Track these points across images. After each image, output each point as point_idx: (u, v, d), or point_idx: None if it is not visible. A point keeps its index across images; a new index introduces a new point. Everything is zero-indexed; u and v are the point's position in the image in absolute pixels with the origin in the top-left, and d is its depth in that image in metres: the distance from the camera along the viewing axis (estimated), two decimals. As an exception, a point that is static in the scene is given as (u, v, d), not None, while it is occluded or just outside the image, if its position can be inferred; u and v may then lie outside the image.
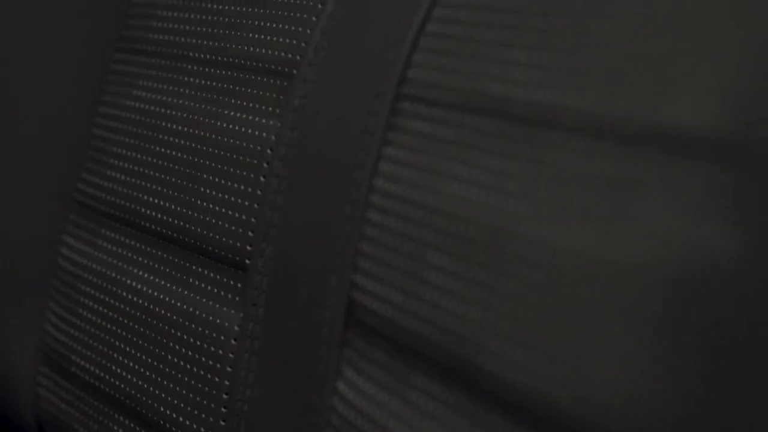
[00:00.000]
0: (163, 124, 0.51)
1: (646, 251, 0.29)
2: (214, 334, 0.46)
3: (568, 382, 0.30)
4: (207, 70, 0.50)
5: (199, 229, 0.48)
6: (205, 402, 0.46)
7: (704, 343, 0.27)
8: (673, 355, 0.28)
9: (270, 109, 0.46)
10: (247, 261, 0.45)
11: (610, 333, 0.29)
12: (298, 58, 0.46)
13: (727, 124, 0.28)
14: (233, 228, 0.46)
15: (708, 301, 0.27)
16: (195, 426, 0.47)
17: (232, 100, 0.48)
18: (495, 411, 0.33)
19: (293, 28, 0.46)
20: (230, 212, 0.46)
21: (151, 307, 0.50)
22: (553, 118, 0.33)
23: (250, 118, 0.47)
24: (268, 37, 0.47)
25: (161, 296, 0.49)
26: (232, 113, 0.48)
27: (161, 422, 0.48)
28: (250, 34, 0.48)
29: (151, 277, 0.50)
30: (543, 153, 0.33)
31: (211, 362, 0.46)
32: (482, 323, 0.33)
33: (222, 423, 0.46)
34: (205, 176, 0.48)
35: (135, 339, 0.50)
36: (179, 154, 0.49)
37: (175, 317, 0.48)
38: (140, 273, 0.51)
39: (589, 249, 0.30)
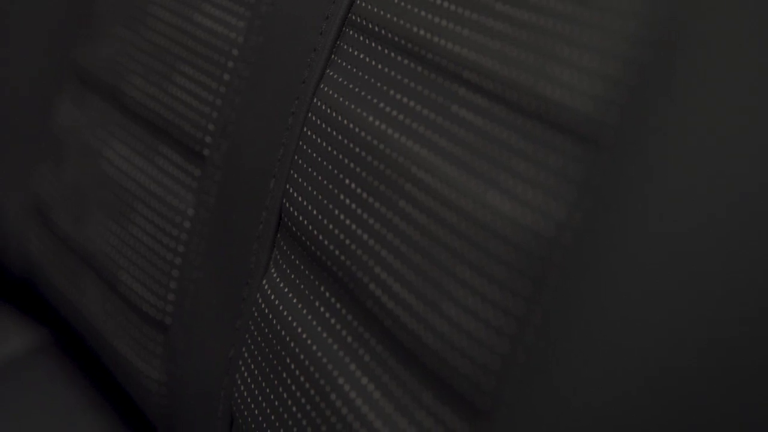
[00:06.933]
0: (151, 9, 0.53)
1: (507, 217, 0.32)
2: (171, 215, 0.50)
3: (429, 321, 0.33)
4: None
5: (169, 115, 0.51)
6: (158, 276, 0.50)
7: (536, 306, 0.30)
8: (514, 313, 0.31)
9: (242, 11, 0.48)
10: (206, 152, 0.48)
11: (468, 285, 0.32)
12: (272, -35, 0.48)
13: (594, 109, 0.30)
14: (197, 119, 0.49)
15: (542, 268, 0.30)
16: (147, 296, 0.51)
17: (212, -4, 0.50)
18: (374, 334, 0.36)
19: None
20: (196, 103, 0.49)
21: (122, 179, 0.53)
22: (460, 72, 0.35)
23: (224, 17, 0.49)
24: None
25: (132, 171, 0.53)
26: (209, 8, 0.50)
27: (119, 288, 0.52)
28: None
29: (126, 152, 0.54)
30: (448, 103, 0.35)
31: (166, 240, 0.50)
32: (375, 251, 0.36)
33: (170, 297, 0.49)
34: (179, 66, 0.51)
35: (104, 207, 0.54)
36: (160, 41, 0.52)
37: (140, 193, 0.52)
38: (117, 146, 0.54)
39: (464, 204, 0.33)
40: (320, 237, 0.39)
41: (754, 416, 0.27)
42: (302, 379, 0.39)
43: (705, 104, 0.28)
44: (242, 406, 0.43)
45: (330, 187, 0.39)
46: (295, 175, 0.42)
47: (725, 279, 0.27)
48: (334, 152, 0.40)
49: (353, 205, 0.38)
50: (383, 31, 0.39)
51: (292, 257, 0.42)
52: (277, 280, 0.42)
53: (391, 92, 0.38)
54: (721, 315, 0.27)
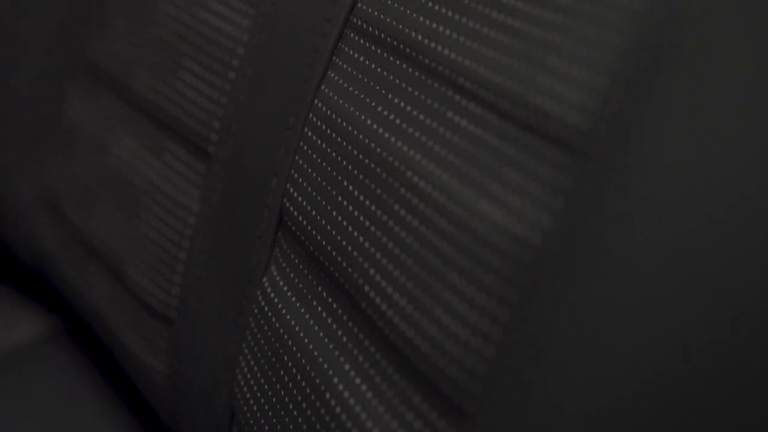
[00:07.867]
0: (159, 5, 0.53)
1: (496, 225, 0.32)
2: (177, 210, 0.50)
3: (421, 324, 0.33)
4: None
5: (175, 112, 0.51)
6: (163, 270, 0.50)
7: (525, 313, 0.30)
8: (501, 320, 0.31)
9: (246, 8, 0.48)
10: (211, 149, 0.48)
11: (458, 291, 0.32)
12: (276, -37, 0.48)
13: (583, 121, 0.30)
14: (203, 116, 0.49)
15: (531, 277, 0.30)
16: (152, 289, 0.51)
17: (218, -7, 0.50)
18: (368, 335, 0.36)
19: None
20: (202, 101, 0.49)
21: (130, 174, 0.53)
22: (456, 78, 0.35)
23: (230, 14, 0.49)
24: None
25: (139, 166, 0.53)
26: (216, 6, 0.50)
27: (125, 282, 0.53)
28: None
29: (134, 147, 0.54)
30: (444, 109, 0.35)
31: (171, 235, 0.50)
32: (370, 254, 0.36)
33: (175, 291, 0.50)
34: (185, 62, 0.51)
35: (112, 201, 0.54)
36: (167, 36, 0.52)
37: (147, 187, 0.52)
38: (125, 141, 0.54)
39: (456, 210, 0.33)
40: (318, 237, 0.40)
41: (753, 418, 0.26)
42: (299, 377, 0.39)
43: (703, 105, 0.28)
44: (242, 402, 0.43)
45: (329, 188, 0.39)
46: (296, 175, 0.42)
47: (724, 280, 0.27)
48: (333, 154, 0.40)
49: (350, 208, 0.38)
50: (383, 35, 0.39)
51: (292, 256, 0.42)
52: (277, 278, 0.42)
53: (390, 96, 0.38)
54: (720, 316, 0.27)
